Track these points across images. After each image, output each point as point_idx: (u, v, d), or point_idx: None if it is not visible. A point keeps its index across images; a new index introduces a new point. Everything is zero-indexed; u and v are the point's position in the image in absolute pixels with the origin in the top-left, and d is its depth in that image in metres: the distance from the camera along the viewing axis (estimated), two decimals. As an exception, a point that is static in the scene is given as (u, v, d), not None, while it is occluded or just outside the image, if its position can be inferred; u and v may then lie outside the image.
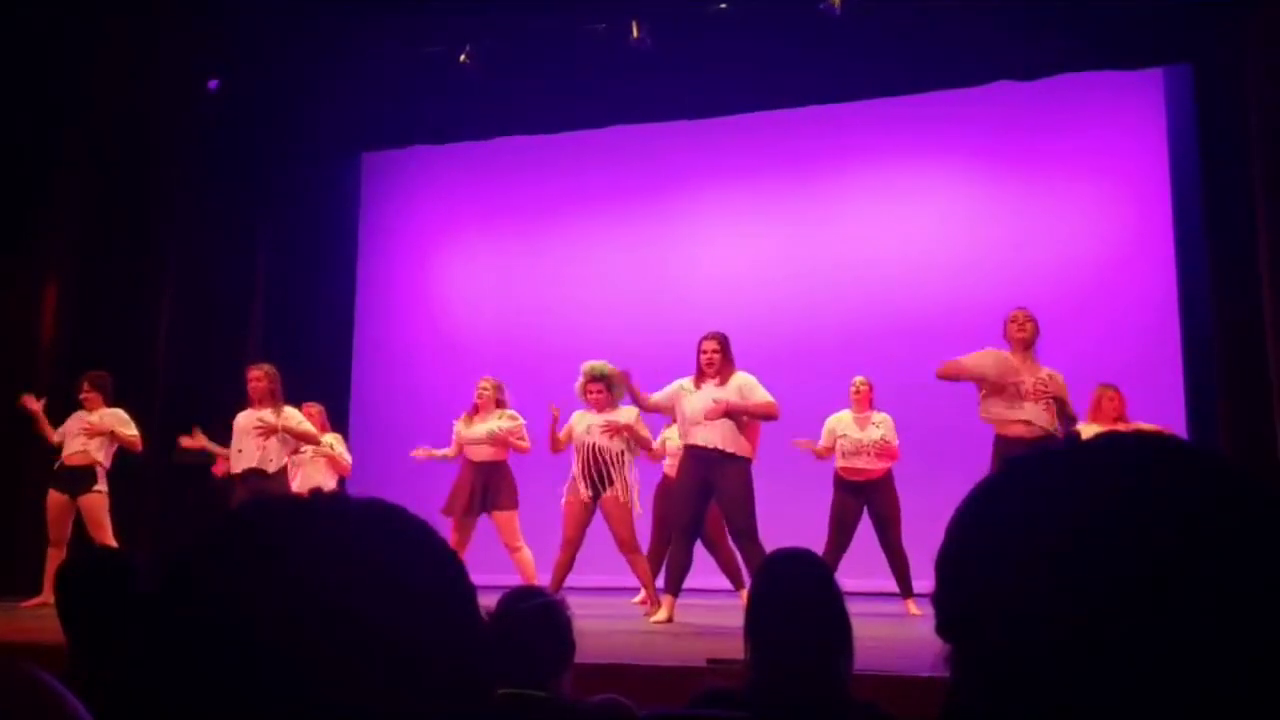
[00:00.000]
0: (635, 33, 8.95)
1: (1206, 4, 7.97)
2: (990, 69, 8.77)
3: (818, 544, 6.76)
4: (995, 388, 5.88)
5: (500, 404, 7.41)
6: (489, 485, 7.21)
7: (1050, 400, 5.89)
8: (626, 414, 6.89)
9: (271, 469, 7.12)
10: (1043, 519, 0.62)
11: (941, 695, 0.66)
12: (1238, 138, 7.68)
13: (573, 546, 6.90)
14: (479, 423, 7.35)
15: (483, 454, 7.27)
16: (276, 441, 7.16)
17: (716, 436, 6.38)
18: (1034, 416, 5.82)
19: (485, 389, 7.43)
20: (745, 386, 6.49)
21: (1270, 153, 7.18)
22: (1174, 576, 0.58)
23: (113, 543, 7.06)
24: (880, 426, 7.14)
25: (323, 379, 9.72)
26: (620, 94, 9.38)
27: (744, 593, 6.49)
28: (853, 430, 7.14)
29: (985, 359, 5.97)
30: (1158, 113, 9.14)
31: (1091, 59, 8.52)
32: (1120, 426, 6.46)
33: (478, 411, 7.41)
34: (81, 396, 7.54)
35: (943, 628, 0.65)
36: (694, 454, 6.47)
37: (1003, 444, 5.84)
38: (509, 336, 10.38)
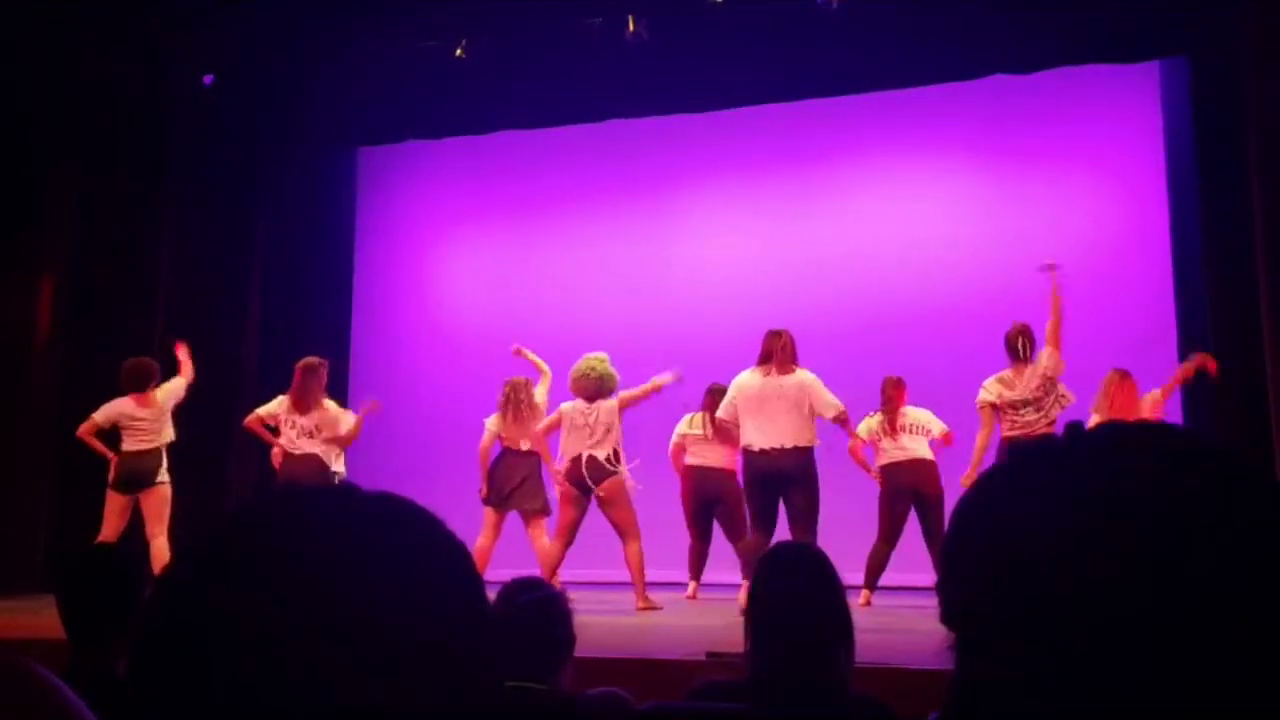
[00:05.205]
0: (631, 27, 8.95)
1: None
2: (986, 62, 8.77)
3: (850, 541, 6.76)
4: None
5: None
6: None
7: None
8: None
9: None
10: (1045, 508, 0.63)
11: (943, 688, 0.67)
12: (1233, 131, 7.68)
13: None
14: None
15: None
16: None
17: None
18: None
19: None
20: None
21: (1266, 146, 7.18)
22: (1175, 566, 0.58)
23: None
24: (910, 417, 7.37)
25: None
26: (616, 88, 9.37)
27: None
28: (878, 427, 7.40)
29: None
30: (1154, 106, 9.13)
31: (1088, 52, 8.51)
32: (1127, 415, 6.51)
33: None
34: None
35: (947, 616, 0.66)
36: None
37: None
38: (505, 331, 10.32)
